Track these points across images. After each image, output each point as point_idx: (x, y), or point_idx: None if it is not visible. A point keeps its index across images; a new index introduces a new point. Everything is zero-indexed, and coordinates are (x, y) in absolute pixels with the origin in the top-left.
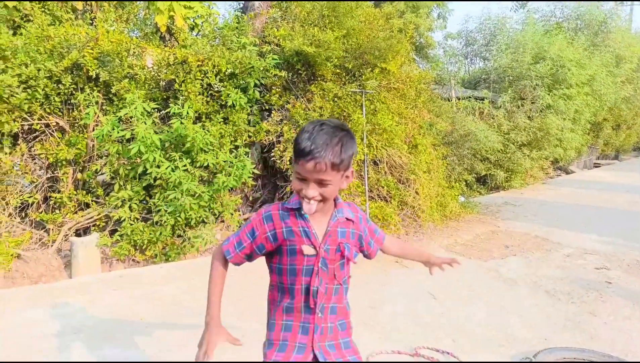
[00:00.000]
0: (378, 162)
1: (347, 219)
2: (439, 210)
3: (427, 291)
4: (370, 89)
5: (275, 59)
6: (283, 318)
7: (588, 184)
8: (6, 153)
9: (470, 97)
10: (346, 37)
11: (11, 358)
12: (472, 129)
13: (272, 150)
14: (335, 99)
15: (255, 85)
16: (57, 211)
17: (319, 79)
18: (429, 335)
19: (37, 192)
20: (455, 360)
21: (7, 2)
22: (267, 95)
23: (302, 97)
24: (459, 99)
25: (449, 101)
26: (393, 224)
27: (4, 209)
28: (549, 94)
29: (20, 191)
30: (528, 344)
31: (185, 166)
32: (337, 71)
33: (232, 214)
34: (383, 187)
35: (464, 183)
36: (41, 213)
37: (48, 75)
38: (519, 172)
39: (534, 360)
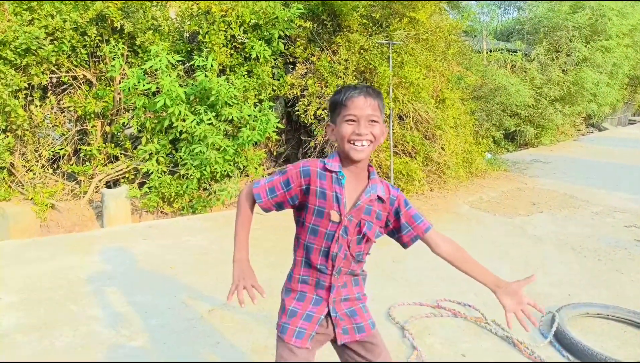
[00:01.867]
0: (404, 117)
1: (379, 197)
2: (465, 167)
3: None
4: (398, 40)
5: (300, 9)
6: (301, 272)
7: (621, 141)
8: (37, 106)
9: (502, 49)
10: None
11: (50, 301)
12: (502, 83)
13: (296, 104)
14: (362, 51)
15: (280, 37)
16: (88, 163)
17: (344, 30)
18: (452, 288)
19: (67, 144)
20: (477, 313)
21: None
22: (292, 47)
23: (327, 50)
24: (491, 51)
25: (479, 53)
26: (417, 180)
27: (37, 161)
28: (585, 46)
29: (51, 143)
30: (552, 299)
31: (210, 119)
32: (364, 21)
33: (256, 168)
34: (408, 142)
35: (492, 139)
36: (72, 165)
37: (74, 26)
38: (550, 128)
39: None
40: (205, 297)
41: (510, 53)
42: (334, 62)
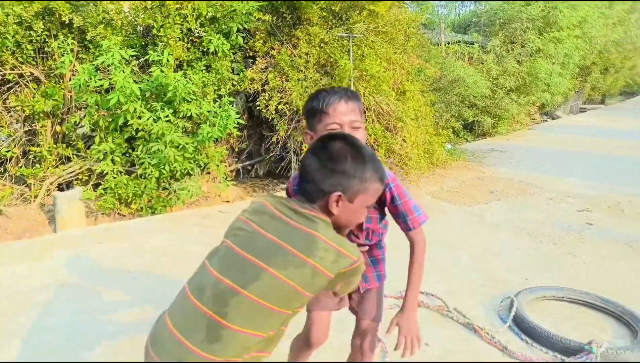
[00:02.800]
0: (366, 110)
1: None
2: (426, 158)
3: None
4: (358, 33)
5: (259, 1)
6: None
7: (573, 129)
8: None
9: (460, 41)
10: None
11: None
12: (461, 74)
13: (257, 99)
14: (322, 44)
15: (238, 30)
16: (38, 165)
17: (304, 23)
18: None
19: (15, 146)
20: (439, 301)
21: None
22: (251, 41)
23: (288, 43)
24: (449, 43)
25: (438, 45)
26: None
27: None
28: (539, 38)
29: None
30: (510, 285)
31: (167, 116)
32: (324, 14)
33: (217, 165)
34: (370, 135)
35: (451, 130)
36: (21, 167)
37: (18, 21)
38: (506, 118)
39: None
40: (166, 301)
41: (468, 45)
42: (295, 56)
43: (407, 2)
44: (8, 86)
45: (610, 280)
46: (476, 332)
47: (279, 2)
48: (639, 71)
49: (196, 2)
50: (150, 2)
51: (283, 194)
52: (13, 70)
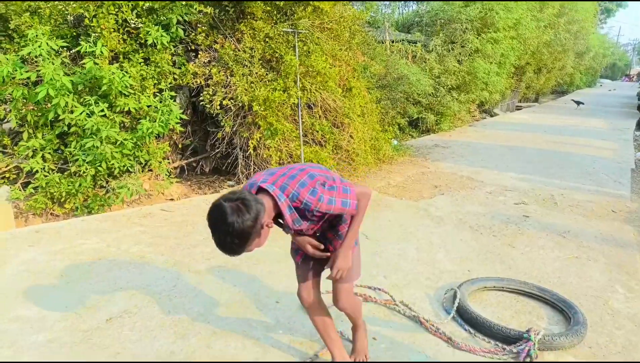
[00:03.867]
0: (312, 106)
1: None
2: (373, 153)
3: (360, 232)
4: (303, 28)
5: None
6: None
7: (510, 126)
8: None
9: (403, 40)
10: None
11: None
12: (405, 72)
13: (201, 94)
14: (267, 39)
15: (179, 22)
16: None
17: (248, 17)
18: (363, 273)
19: None
20: (386, 295)
21: None
22: (193, 34)
23: (232, 37)
24: (393, 42)
25: (382, 43)
26: (328, 168)
27: None
28: (477, 38)
29: None
30: (453, 276)
31: (102, 111)
32: (268, 8)
33: (160, 162)
34: (318, 131)
35: (397, 126)
36: None
37: None
38: (448, 115)
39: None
40: (102, 306)
41: (411, 44)
42: (239, 51)
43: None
44: None
45: (546, 269)
46: (422, 324)
47: None
48: (568, 71)
49: None
50: None
51: (229, 190)
52: None
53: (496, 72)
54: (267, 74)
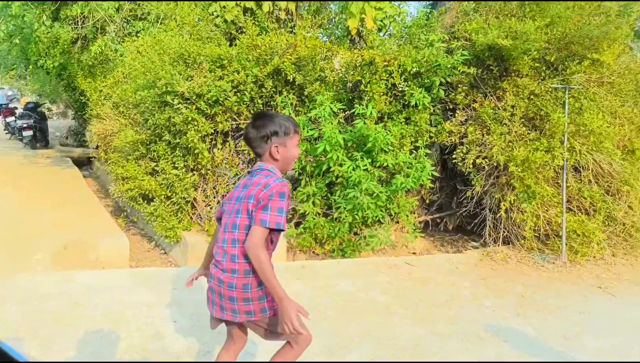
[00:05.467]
0: (581, 169)
1: None
2: None
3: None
4: (576, 84)
5: (465, 55)
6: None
7: None
8: (219, 149)
9: None
10: (549, 26)
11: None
12: None
13: (454, 152)
14: (531, 96)
15: (441, 83)
16: None
17: (512, 74)
18: None
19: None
20: None
21: (226, 16)
22: (452, 93)
23: (492, 95)
24: None
25: None
26: (596, 242)
27: (214, 197)
28: None
29: (226, 181)
30: None
31: (365, 165)
32: (536, 65)
33: (407, 216)
34: (585, 198)
35: None
36: None
37: (254, 80)
38: None
39: None
40: (353, 344)
41: None
42: (499, 109)
43: (634, 48)
44: (240, 133)
45: None
46: None
47: (486, 55)
48: None
49: (402, 59)
50: (360, 60)
51: (472, 252)
52: (246, 120)
53: None
54: (528, 133)
